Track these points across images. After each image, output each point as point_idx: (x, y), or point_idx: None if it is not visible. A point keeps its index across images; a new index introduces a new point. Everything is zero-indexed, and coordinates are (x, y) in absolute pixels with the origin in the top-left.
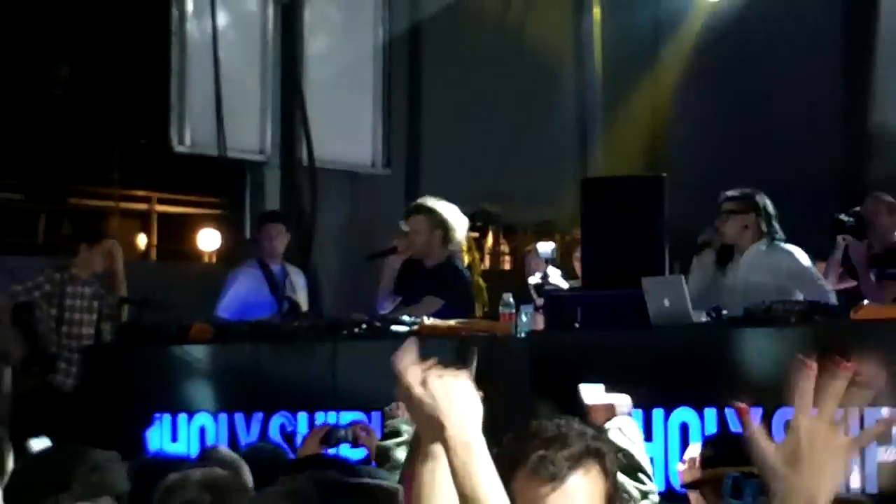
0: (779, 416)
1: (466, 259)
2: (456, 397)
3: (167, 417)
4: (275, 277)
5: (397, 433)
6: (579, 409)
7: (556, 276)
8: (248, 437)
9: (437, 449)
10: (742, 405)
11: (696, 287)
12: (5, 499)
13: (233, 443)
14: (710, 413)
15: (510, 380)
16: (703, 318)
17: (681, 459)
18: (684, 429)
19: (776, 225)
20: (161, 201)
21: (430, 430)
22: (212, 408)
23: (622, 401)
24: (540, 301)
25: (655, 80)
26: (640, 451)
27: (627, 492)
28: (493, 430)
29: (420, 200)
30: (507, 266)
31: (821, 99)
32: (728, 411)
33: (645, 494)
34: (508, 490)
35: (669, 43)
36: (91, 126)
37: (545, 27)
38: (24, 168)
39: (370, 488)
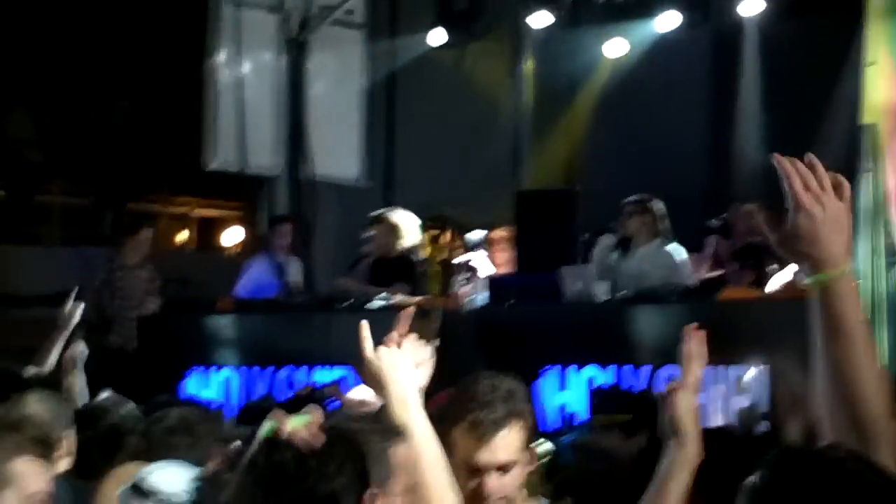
0: (664, 372)
1: (427, 251)
2: (398, 364)
3: (200, 370)
4: (280, 265)
5: None
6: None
7: (478, 259)
8: (260, 386)
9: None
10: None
11: (597, 260)
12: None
13: (249, 390)
14: (611, 369)
15: (459, 344)
16: (605, 297)
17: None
18: (591, 382)
19: (667, 226)
20: (198, 206)
21: (377, 388)
22: (234, 363)
23: None
24: (462, 275)
25: (572, 116)
26: None
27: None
28: (447, 383)
29: (378, 212)
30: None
31: (694, 133)
32: (625, 368)
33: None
34: (448, 439)
35: (583, 88)
36: (145, 149)
37: (490, 74)
38: (96, 180)
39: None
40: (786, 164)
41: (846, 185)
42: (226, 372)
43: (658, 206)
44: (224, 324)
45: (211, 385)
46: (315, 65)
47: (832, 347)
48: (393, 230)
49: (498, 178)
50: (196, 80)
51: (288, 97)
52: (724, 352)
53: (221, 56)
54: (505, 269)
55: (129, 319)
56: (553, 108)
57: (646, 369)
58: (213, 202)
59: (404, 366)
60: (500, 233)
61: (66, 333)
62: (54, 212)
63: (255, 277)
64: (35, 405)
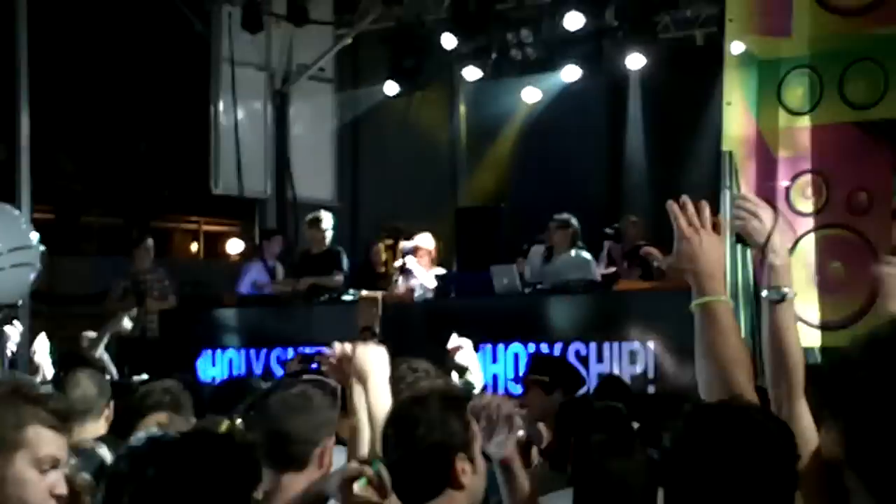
0: (572, 348)
1: (384, 257)
2: (378, 358)
3: (209, 352)
4: (271, 269)
5: None
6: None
7: (411, 263)
8: (258, 364)
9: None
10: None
11: (532, 265)
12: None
13: (249, 367)
14: (531, 346)
15: (411, 328)
16: (527, 290)
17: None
18: (516, 356)
19: (579, 239)
20: (205, 223)
21: (361, 376)
22: (236, 345)
23: (466, 343)
24: (398, 275)
25: (498, 148)
26: (473, 364)
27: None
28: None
29: (310, 216)
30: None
31: (593, 159)
32: (542, 345)
33: (469, 383)
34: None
35: (505, 126)
36: (163, 179)
37: (432, 116)
38: (125, 204)
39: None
40: (674, 207)
41: (720, 221)
42: (230, 353)
43: (574, 223)
44: (228, 315)
45: (218, 363)
46: (295, 111)
47: (708, 338)
48: (322, 229)
49: (440, 197)
50: (201, 124)
51: (274, 137)
52: (619, 331)
53: (221, 105)
54: (428, 270)
55: (150, 312)
56: (482, 143)
57: (558, 345)
58: (217, 220)
59: (382, 359)
60: (422, 243)
61: (115, 322)
62: (93, 230)
63: (251, 279)
64: (85, 380)
